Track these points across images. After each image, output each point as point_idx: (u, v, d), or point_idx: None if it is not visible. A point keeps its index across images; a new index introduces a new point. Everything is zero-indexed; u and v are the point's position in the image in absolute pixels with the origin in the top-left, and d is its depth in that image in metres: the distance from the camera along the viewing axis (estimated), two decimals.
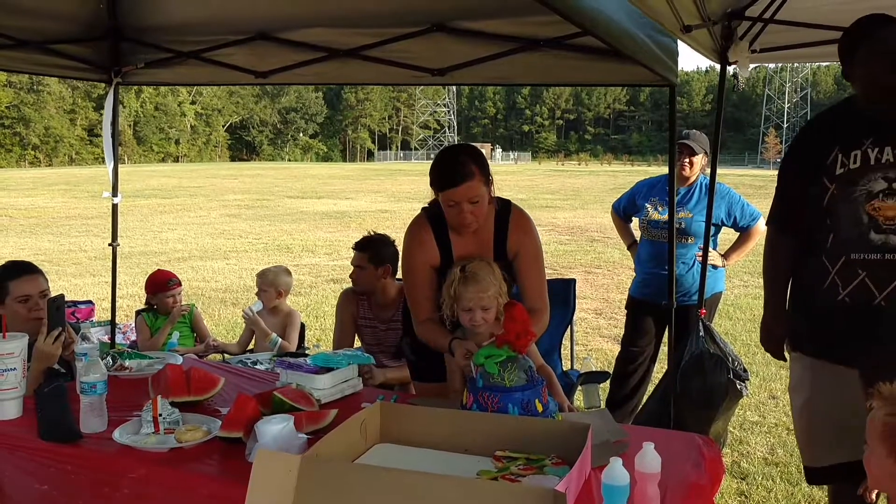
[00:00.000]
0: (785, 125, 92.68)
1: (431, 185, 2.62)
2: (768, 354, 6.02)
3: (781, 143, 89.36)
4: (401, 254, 2.78)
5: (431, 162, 2.67)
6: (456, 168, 2.52)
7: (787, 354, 2.85)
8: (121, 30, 4.31)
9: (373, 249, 3.76)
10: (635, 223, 4.69)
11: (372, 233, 3.91)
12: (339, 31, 3.93)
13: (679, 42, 3.41)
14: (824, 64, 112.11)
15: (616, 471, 1.62)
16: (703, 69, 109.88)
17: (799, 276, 2.72)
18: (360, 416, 2.10)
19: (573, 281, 4.27)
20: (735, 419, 4.55)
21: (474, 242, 2.70)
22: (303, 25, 3.96)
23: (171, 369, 2.59)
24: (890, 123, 2.45)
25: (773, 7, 3.45)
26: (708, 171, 4.27)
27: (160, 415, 2.30)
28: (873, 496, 2.46)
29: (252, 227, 16.65)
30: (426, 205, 2.78)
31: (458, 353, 2.40)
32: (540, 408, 2.21)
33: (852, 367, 2.47)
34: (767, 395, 5.20)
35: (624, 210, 4.67)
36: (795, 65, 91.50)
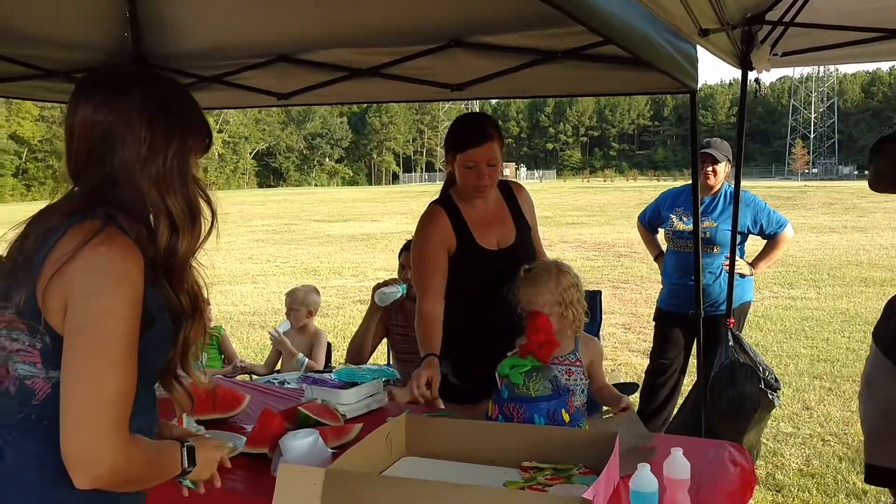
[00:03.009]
0: (812, 136, 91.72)
1: (450, 148, 2.71)
2: (802, 365, 5.95)
3: (809, 153, 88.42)
4: (413, 240, 2.81)
5: (449, 127, 2.77)
6: (479, 129, 2.64)
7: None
8: (145, 58, 4.37)
9: None
10: (661, 234, 4.65)
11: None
12: (358, 50, 3.96)
13: (701, 51, 3.40)
14: (850, 72, 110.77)
15: (644, 477, 1.60)
16: (727, 82, 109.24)
17: None
18: (385, 428, 2.09)
19: (599, 293, 4.22)
20: (768, 430, 4.47)
21: (493, 219, 2.78)
22: (323, 46, 4.00)
23: (197, 387, 2.60)
24: None
25: (793, 10, 3.41)
26: (732, 179, 4.24)
27: None
28: None
29: (279, 251, 16.77)
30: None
31: (413, 382, 2.48)
32: (567, 418, 2.18)
33: None
34: (801, 406, 5.10)
35: (649, 221, 4.64)
36: (821, 74, 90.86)
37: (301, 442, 2.06)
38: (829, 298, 9.30)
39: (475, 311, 2.80)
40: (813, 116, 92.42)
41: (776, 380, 3.80)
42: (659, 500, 1.63)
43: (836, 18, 3.47)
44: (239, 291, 11.15)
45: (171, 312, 1.45)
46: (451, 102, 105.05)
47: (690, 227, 4.24)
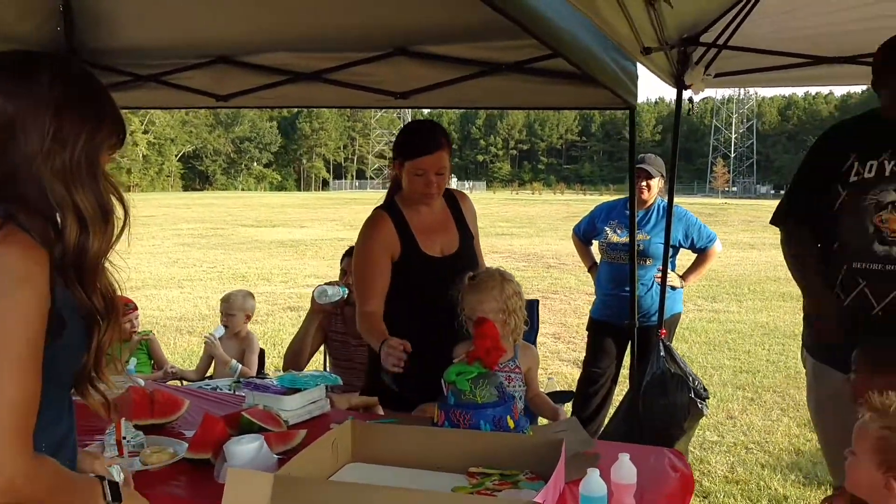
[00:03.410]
0: (732, 155, 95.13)
1: (399, 154, 2.71)
2: (726, 376, 6.15)
3: (729, 172, 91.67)
4: (357, 244, 2.80)
5: (398, 133, 2.77)
6: (430, 137, 2.66)
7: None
8: (77, 53, 4.24)
9: None
10: (595, 246, 4.75)
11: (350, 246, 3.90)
12: (300, 54, 3.94)
13: (636, 68, 3.51)
14: (768, 96, 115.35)
15: (594, 482, 1.63)
16: (653, 101, 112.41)
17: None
18: (332, 434, 2.08)
19: (536, 302, 4.29)
20: (695, 439, 4.60)
21: (438, 227, 2.80)
22: (264, 49, 3.96)
23: (135, 392, 2.53)
24: None
25: (726, 33, 3.55)
26: (665, 194, 4.38)
27: (124, 437, 2.25)
28: None
29: (206, 255, 16.42)
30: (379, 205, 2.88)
31: (385, 355, 2.44)
32: (511, 424, 2.20)
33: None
34: (725, 416, 5.28)
35: (584, 233, 4.73)
36: (741, 97, 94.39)
37: (246, 447, 2.03)
38: (750, 312, 9.66)
39: (417, 317, 2.80)
40: (733, 137, 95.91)
41: (705, 389, 3.92)
42: None
43: (766, 44, 3.64)
44: (165, 296, 10.87)
45: (84, 315, 1.36)
46: (383, 111, 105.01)
47: (624, 239, 4.36)
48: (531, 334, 4.22)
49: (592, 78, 2.90)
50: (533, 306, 4.27)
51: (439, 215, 2.84)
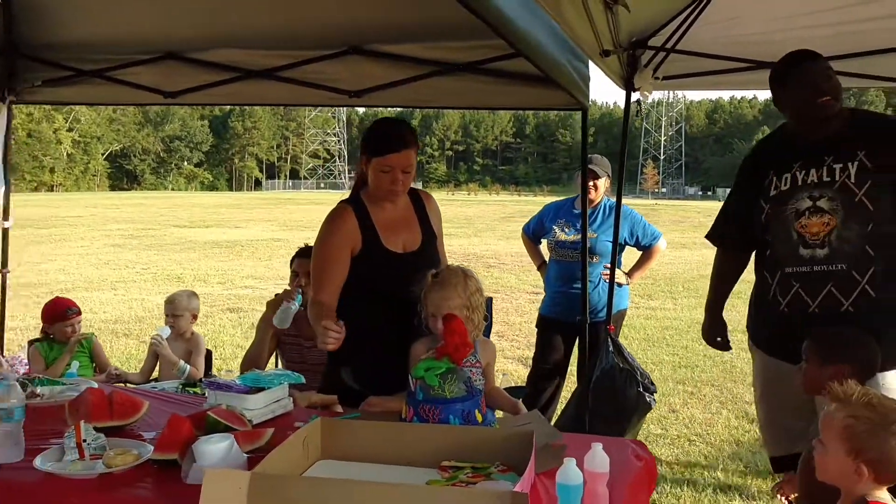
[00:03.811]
0: (662, 157, 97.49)
1: (366, 150, 2.72)
2: (666, 371, 6.33)
3: (659, 174, 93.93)
4: (318, 235, 2.80)
5: (367, 129, 2.78)
6: (398, 135, 2.67)
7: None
8: (17, 46, 4.11)
9: None
10: (544, 245, 4.83)
11: (305, 244, 3.85)
12: (253, 52, 3.90)
13: (589, 70, 3.59)
14: (696, 99, 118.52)
15: (570, 471, 1.67)
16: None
17: (755, 287, 2.96)
18: (302, 432, 2.07)
19: (490, 299, 4.35)
20: (640, 432, 4.72)
21: (401, 224, 2.81)
22: (215, 46, 3.91)
23: (92, 393, 2.47)
24: (813, 147, 2.66)
25: (674, 37, 3.67)
26: (612, 193, 4.49)
27: (84, 440, 2.19)
28: (790, 498, 2.62)
29: (139, 256, 16.00)
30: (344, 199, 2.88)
31: (321, 335, 2.46)
32: (480, 418, 2.24)
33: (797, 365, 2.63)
34: (668, 409, 5.42)
35: (533, 232, 4.81)
36: (671, 100, 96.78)
37: (216, 447, 2.01)
38: (686, 309, 9.94)
39: (375, 312, 2.81)
40: (663, 139, 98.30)
41: (652, 383, 4.04)
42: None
43: (711, 49, 3.77)
44: (98, 298, 10.55)
45: None
46: (317, 110, 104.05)
47: (571, 237, 4.45)
48: (486, 330, 4.29)
49: (550, 79, 2.96)
50: (489, 303, 4.34)
51: (403, 213, 2.86)
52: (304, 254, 3.75)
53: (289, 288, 3.80)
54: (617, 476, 1.87)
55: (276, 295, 3.90)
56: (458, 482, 1.90)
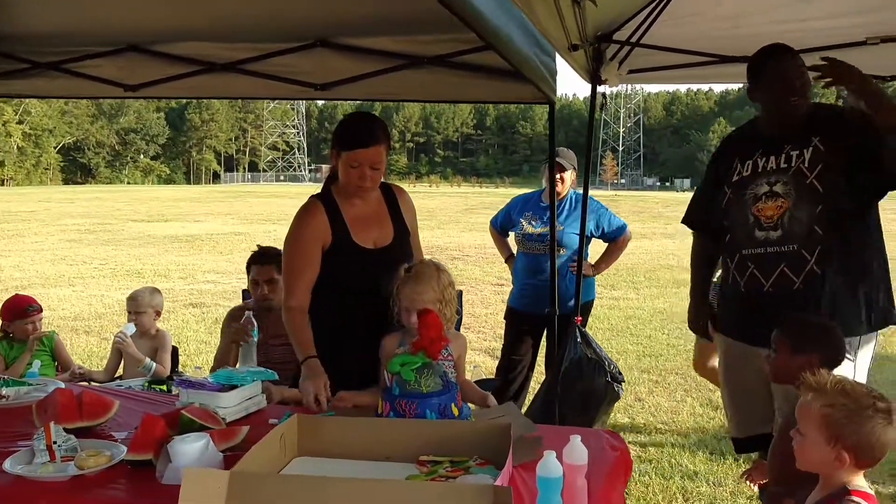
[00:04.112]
0: (620, 148, 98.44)
1: (336, 144, 2.70)
2: (631, 360, 6.42)
3: (618, 164, 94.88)
4: (288, 232, 2.78)
5: (338, 123, 2.76)
6: (368, 130, 2.65)
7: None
8: None
9: (276, 260, 3.68)
10: (511, 237, 4.85)
11: (259, 247, 3.82)
12: (217, 44, 3.85)
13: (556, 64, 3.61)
14: (654, 91, 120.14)
15: (551, 464, 1.69)
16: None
17: (720, 273, 3.09)
18: (279, 429, 2.06)
19: (460, 292, 4.37)
20: (607, 421, 4.79)
21: (372, 219, 2.80)
22: (177, 38, 3.85)
23: (61, 394, 2.42)
24: (776, 137, 2.77)
25: (639, 32, 3.71)
26: (577, 186, 4.53)
27: (55, 442, 2.15)
28: (755, 486, 2.68)
29: (96, 252, 15.69)
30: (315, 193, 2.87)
31: (307, 394, 2.52)
32: (456, 412, 2.25)
33: (756, 346, 2.70)
34: (634, 398, 5.50)
35: (501, 225, 4.83)
36: (629, 92, 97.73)
37: (192, 446, 1.99)
38: (648, 299, 10.08)
39: (347, 309, 2.80)
40: (621, 131, 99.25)
41: (619, 373, 4.10)
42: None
43: (675, 43, 3.82)
44: (55, 295, 10.34)
45: None
46: (275, 103, 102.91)
47: (539, 230, 4.48)
48: (457, 324, 4.31)
49: (518, 73, 2.98)
50: (459, 296, 4.35)
51: (374, 208, 2.85)
52: (260, 260, 3.71)
53: (244, 305, 3.75)
54: (593, 467, 1.89)
55: (233, 309, 3.87)
56: (438, 477, 1.91)
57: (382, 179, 2.85)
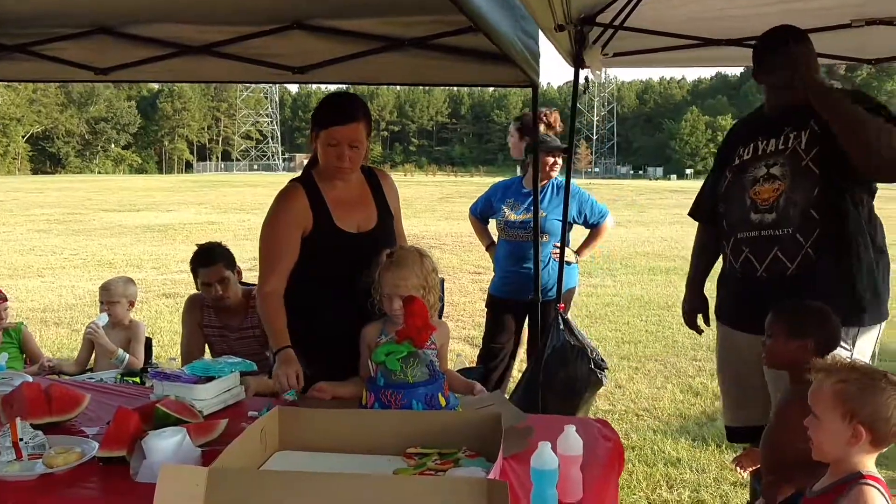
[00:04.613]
0: (594, 137, 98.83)
1: (314, 124, 2.63)
2: (610, 347, 6.40)
3: (592, 153, 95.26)
4: (266, 216, 2.69)
5: (317, 104, 2.70)
6: (346, 108, 2.58)
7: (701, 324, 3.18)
8: None
9: (223, 257, 3.61)
10: (493, 225, 4.78)
11: (199, 246, 3.70)
12: (191, 26, 3.71)
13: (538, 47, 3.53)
14: (627, 80, 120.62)
15: (545, 455, 1.63)
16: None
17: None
18: (259, 423, 1.98)
19: (442, 280, 4.29)
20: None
21: (355, 202, 2.73)
22: (150, 20, 3.71)
23: (28, 388, 2.33)
24: (777, 119, 2.71)
25: (622, 14, 3.64)
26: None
27: (21, 439, 2.05)
28: (745, 473, 2.64)
29: (66, 242, 15.41)
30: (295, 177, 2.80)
31: (278, 382, 2.42)
32: (443, 402, 2.19)
33: (751, 334, 2.63)
34: (614, 385, 5.47)
35: (481, 213, 4.75)
36: (603, 81, 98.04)
37: (168, 442, 1.91)
38: (625, 286, 10.08)
39: (328, 296, 2.72)
40: (595, 119, 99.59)
41: (603, 360, 4.05)
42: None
43: (659, 25, 3.75)
44: (24, 286, 10.12)
45: None
46: (249, 91, 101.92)
47: (522, 217, 4.41)
48: (439, 311, 4.24)
49: (501, 56, 2.90)
50: (441, 284, 4.28)
51: (357, 191, 2.76)
52: (205, 261, 3.60)
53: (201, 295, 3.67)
54: (587, 458, 1.83)
55: (192, 296, 3.78)
56: (427, 470, 1.84)
57: (366, 163, 2.77)
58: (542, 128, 4.55)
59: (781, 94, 2.71)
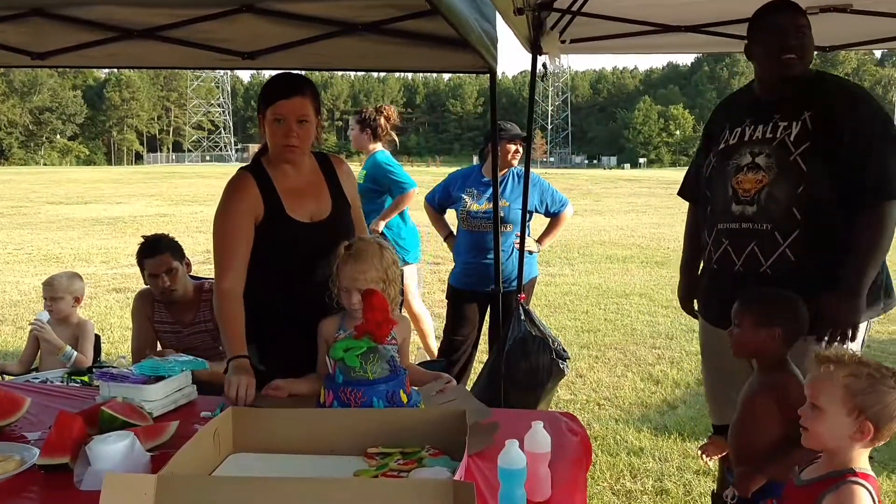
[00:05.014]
0: (549, 127, 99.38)
1: (260, 103, 2.53)
2: (570, 336, 6.37)
3: (546, 143, 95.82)
4: (217, 208, 2.57)
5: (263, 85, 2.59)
6: (291, 82, 2.50)
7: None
8: None
9: (169, 247, 3.49)
10: (452, 215, 4.71)
11: (144, 237, 3.57)
12: (133, 9, 3.54)
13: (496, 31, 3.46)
14: (581, 70, 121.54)
15: (513, 454, 1.56)
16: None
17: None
18: (213, 424, 1.88)
19: (402, 272, 4.21)
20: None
21: (308, 190, 2.62)
22: (89, 1, 3.54)
23: None
24: (767, 104, 2.57)
25: (580, 0, 3.59)
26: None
27: None
28: (710, 462, 2.62)
29: (10, 236, 14.91)
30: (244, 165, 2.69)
31: (228, 392, 2.27)
32: (405, 398, 2.11)
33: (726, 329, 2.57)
34: (575, 375, 5.45)
35: (439, 202, 4.67)
36: (556, 71, 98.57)
37: (114, 447, 1.79)
38: (583, 275, 10.10)
39: (282, 288, 2.61)
40: (549, 109, 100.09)
41: (564, 350, 4.02)
42: None
43: (617, 12, 3.71)
44: None
45: None
46: (199, 80, 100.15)
47: (483, 206, 4.34)
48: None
49: (459, 40, 2.82)
50: (401, 276, 4.19)
51: (309, 177, 2.65)
52: (150, 252, 3.48)
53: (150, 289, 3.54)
54: (555, 453, 1.77)
55: (142, 290, 3.64)
56: (389, 471, 1.76)
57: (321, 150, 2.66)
58: (381, 121, 5.00)
59: (770, 69, 2.55)
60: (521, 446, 1.63)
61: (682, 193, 3.05)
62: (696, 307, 2.96)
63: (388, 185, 5.00)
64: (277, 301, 2.61)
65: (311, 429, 1.97)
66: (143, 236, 3.59)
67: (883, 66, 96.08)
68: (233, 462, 1.91)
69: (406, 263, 4.99)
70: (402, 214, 5.11)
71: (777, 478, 1.97)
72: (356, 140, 5.14)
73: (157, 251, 3.44)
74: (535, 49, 3.82)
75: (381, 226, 4.94)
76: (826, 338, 2.34)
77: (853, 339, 2.34)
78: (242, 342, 2.42)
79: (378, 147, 5.08)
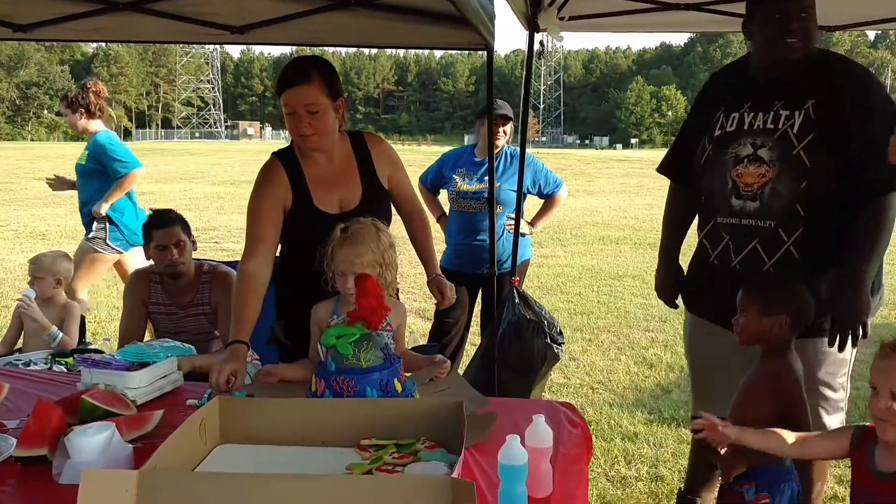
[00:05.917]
0: (541, 106, 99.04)
1: (277, 92, 2.46)
2: (563, 318, 6.29)
3: (539, 122, 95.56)
4: (249, 197, 2.52)
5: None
6: (300, 69, 2.38)
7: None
8: None
9: (179, 220, 3.38)
10: (444, 195, 4.62)
11: (153, 210, 3.48)
12: None
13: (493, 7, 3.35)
14: (574, 49, 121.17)
15: (514, 449, 1.49)
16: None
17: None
18: (199, 414, 1.80)
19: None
20: None
21: (337, 178, 2.53)
22: None
23: None
24: (768, 88, 2.43)
25: None
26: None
27: None
28: (723, 450, 2.57)
29: None
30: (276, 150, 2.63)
31: (214, 377, 2.16)
32: (399, 388, 2.03)
33: (720, 325, 2.49)
34: (568, 358, 5.39)
35: (431, 183, 4.58)
36: (549, 50, 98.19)
37: (94, 439, 1.71)
38: (575, 256, 10.04)
39: (308, 280, 2.51)
40: (542, 89, 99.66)
41: (560, 333, 3.96)
42: None
43: None
44: None
45: None
46: (189, 56, 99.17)
47: (474, 187, 4.26)
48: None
49: (455, 16, 2.73)
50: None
51: (340, 164, 2.55)
52: (159, 223, 3.35)
53: (149, 268, 3.44)
54: (556, 447, 1.71)
55: (138, 270, 3.55)
56: (384, 465, 1.69)
57: (356, 129, 2.57)
58: (91, 97, 4.94)
59: (769, 50, 2.40)
60: (522, 441, 1.56)
61: (663, 170, 2.87)
62: (678, 298, 2.84)
63: (111, 165, 4.95)
64: (303, 292, 2.51)
65: (302, 419, 1.90)
66: (151, 209, 3.50)
67: (876, 48, 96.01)
68: (220, 454, 1.83)
69: (131, 247, 4.99)
70: (129, 196, 5.08)
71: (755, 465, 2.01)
72: (72, 123, 5.07)
73: (168, 223, 3.34)
74: (532, 26, 3.72)
75: (105, 208, 4.91)
76: (837, 339, 2.27)
77: (864, 335, 2.27)
78: (248, 328, 2.34)
79: (100, 127, 5.05)
